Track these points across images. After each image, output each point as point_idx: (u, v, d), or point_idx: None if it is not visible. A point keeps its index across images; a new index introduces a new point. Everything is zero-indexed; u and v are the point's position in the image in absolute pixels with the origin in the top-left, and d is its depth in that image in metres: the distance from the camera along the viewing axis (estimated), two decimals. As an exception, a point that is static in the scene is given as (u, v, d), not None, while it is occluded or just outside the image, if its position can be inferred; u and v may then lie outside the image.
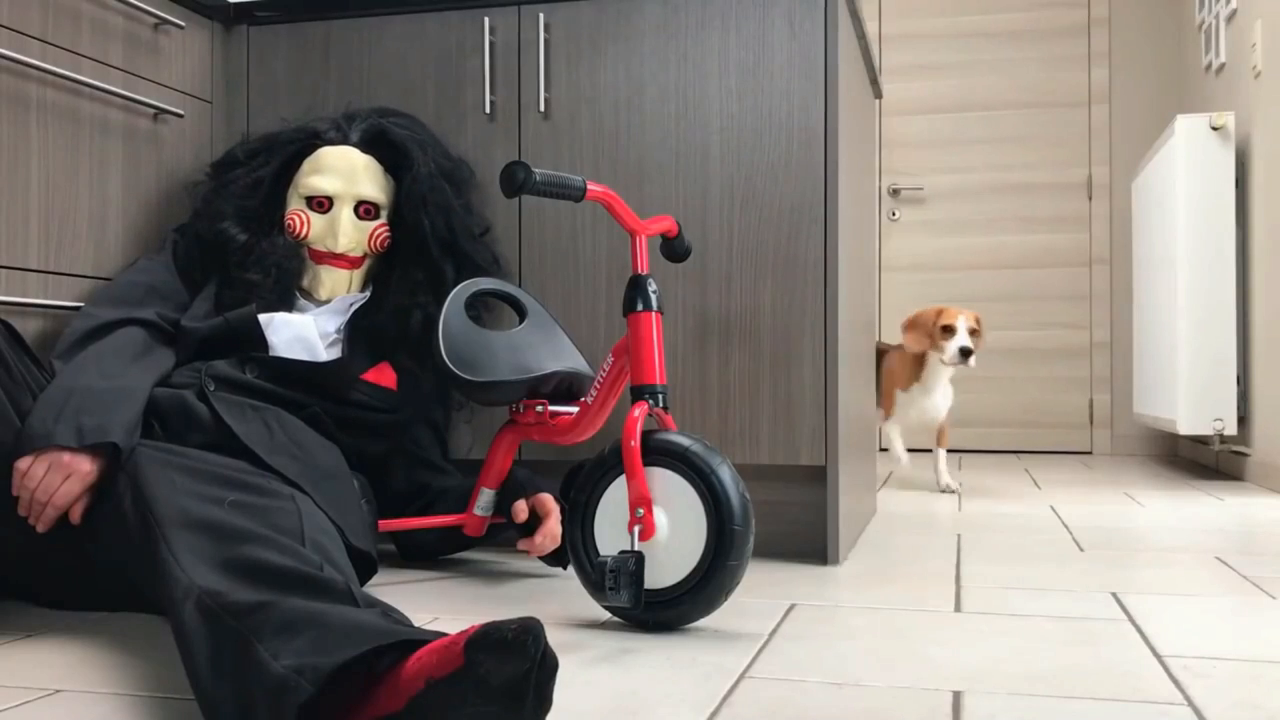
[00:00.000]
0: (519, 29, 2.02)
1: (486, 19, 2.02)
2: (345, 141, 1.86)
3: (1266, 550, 2.10)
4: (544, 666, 0.90)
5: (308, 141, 1.87)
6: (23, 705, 1.12)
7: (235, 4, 2.12)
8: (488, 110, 2.02)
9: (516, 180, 1.45)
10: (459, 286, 1.74)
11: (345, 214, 1.82)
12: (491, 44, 2.03)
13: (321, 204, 1.82)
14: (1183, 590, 1.72)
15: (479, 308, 1.87)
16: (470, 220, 1.91)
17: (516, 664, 0.88)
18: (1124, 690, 1.17)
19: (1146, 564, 1.95)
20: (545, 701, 0.91)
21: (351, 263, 1.83)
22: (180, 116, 2.00)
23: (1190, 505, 2.85)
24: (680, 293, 1.95)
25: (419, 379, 1.83)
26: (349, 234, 1.81)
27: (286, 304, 1.79)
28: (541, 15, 1.99)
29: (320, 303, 1.82)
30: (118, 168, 1.87)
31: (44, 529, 1.41)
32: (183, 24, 2.00)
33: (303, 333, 1.75)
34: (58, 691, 1.17)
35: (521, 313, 1.80)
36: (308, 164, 1.84)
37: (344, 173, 1.82)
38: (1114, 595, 1.68)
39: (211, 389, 1.60)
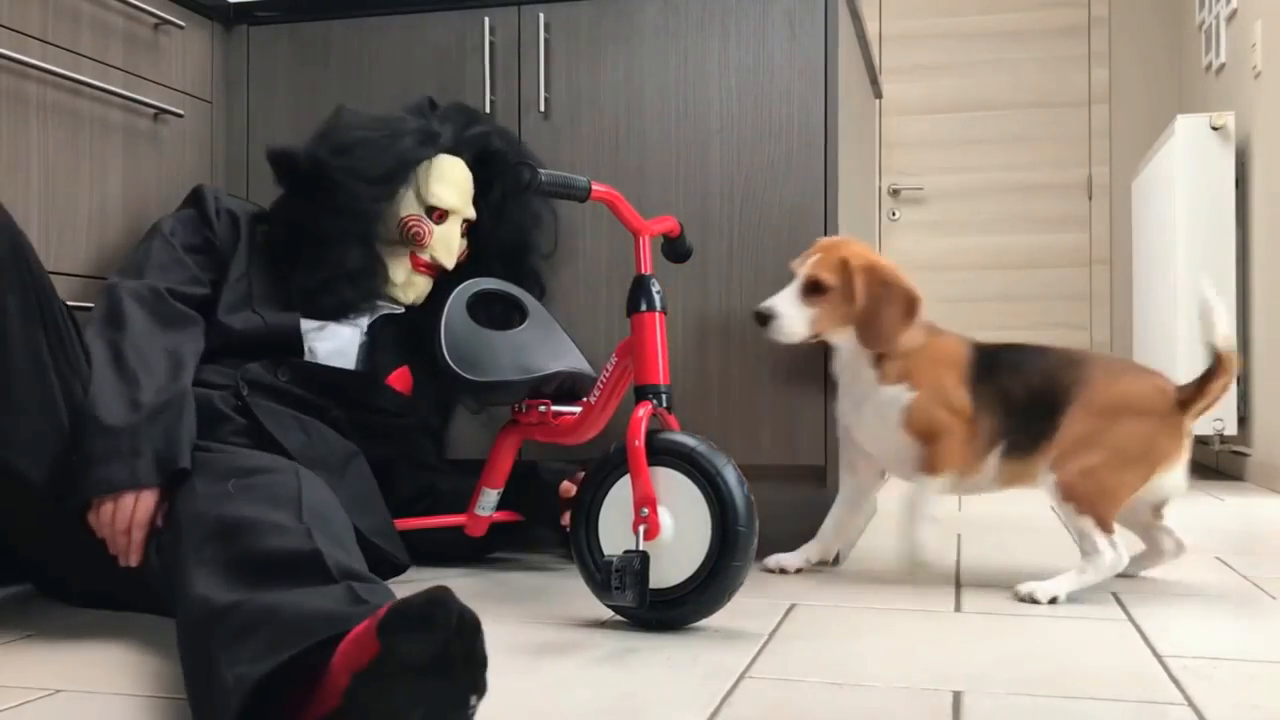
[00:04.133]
0: (519, 29, 2.02)
1: (486, 19, 2.02)
2: (457, 153, 1.84)
3: (1266, 550, 2.10)
4: (463, 631, 0.88)
5: (431, 149, 1.81)
6: (23, 705, 1.12)
7: (235, 4, 2.12)
8: (488, 110, 2.02)
9: (523, 181, 1.45)
10: (460, 287, 1.74)
11: (456, 231, 1.82)
12: (491, 44, 2.03)
13: (442, 216, 1.80)
14: (1183, 590, 1.72)
15: (487, 308, 1.88)
16: (542, 238, 1.91)
17: (431, 637, 0.87)
18: (1124, 690, 1.17)
19: (1146, 564, 1.95)
20: (476, 662, 0.89)
21: (438, 271, 1.83)
22: (180, 116, 2.00)
23: (1190, 505, 2.85)
24: (680, 293, 1.95)
25: (434, 383, 1.83)
26: (455, 250, 1.82)
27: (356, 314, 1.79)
28: (541, 15, 1.99)
29: (404, 305, 1.82)
30: (118, 168, 1.87)
31: (138, 558, 1.37)
32: (183, 24, 2.00)
33: (346, 347, 1.75)
34: (58, 691, 1.17)
35: (523, 313, 1.80)
36: (429, 169, 1.80)
37: (463, 190, 1.82)
38: (1114, 595, 1.68)
39: (245, 393, 1.60)
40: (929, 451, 1.71)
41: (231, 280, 1.70)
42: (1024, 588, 1.65)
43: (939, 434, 1.70)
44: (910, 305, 1.71)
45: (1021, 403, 1.69)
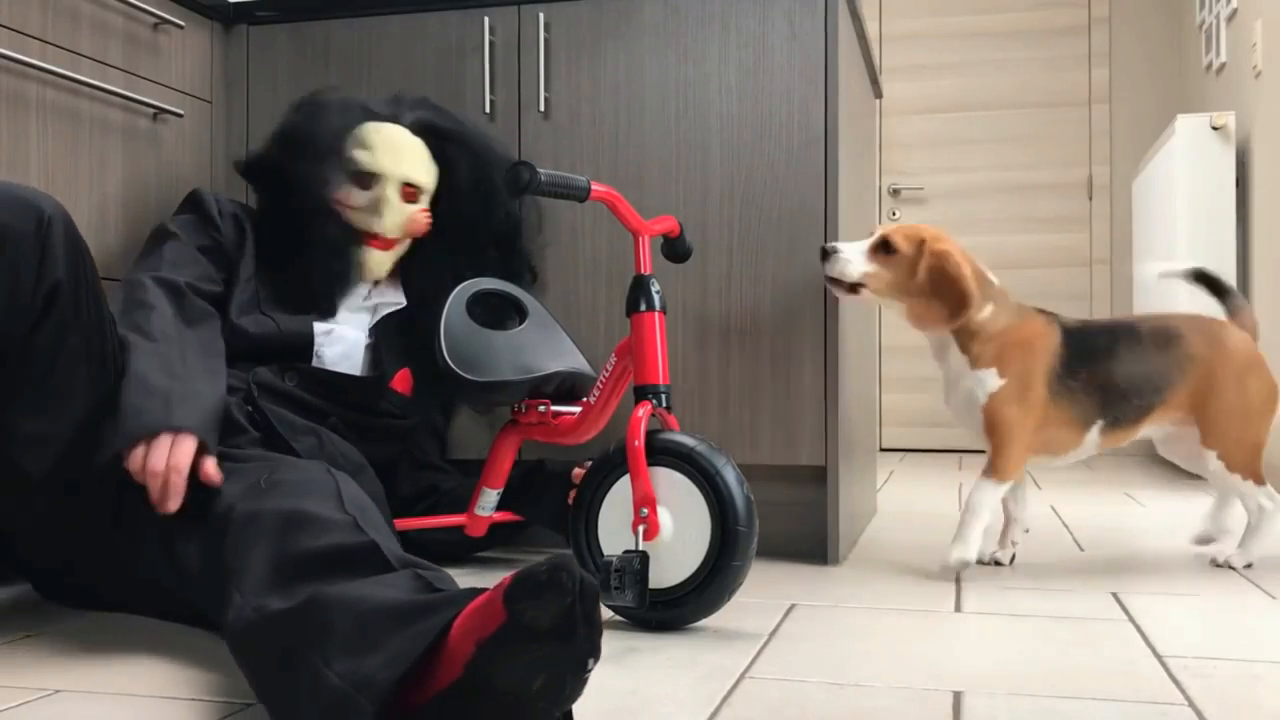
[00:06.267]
0: (519, 29, 2.02)
1: (486, 19, 2.02)
2: (395, 120, 1.82)
3: (1266, 550, 2.10)
4: (585, 596, 0.89)
5: (358, 116, 1.81)
6: (23, 705, 1.12)
7: (235, 4, 2.12)
8: (488, 110, 2.02)
9: (522, 180, 1.45)
10: (459, 286, 1.74)
11: (391, 196, 1.77)
12: (491, 44, 2.03)
13: (368, 181, 1.77)
14: (1183, 590, 1.72)
15: (487, 308, 1.87)
16: (509, 223, 1.89)
17: (558, 602, 0.88)
18: (1124, 690, 1.17)
19: (1146, 564, 1.95)
20: (595, 627, 0.91)
21: (387, 244, 1.79)
22: (180, 116, 2.00)
23: (1190, 505, 2.85)
24: (680, 293, 1.95)
25: (435, 383, 1.83)
26: (392, 216, 1.77)
27: (340, 299, 1.77)
28: (541, 15, 1.99)
29: (367, 283, 1.80)
30: (118, 168, 1.87)
31: (177, 502, 1.32)
32: (182, 24, 2.00)
33: (352, 351, 1.75)
34: (58, 691, 1.17)
35: (522, 313, 1.80)
36: (357, 136, 1.79)
37: (395, 153, 1.78)
38: (1114, 595, 1.68)
39: (257, 395, 1.59)
40: (992, 456, 1.79)
41: (241, 281, 1.69)
42: (1220, 556, 1.89)
43: (1004, 439, 1.78)
44: (960, 305, 1.75)
45: (1123, 386, 1.80)
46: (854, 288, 1.80)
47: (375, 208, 1.76)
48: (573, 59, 2.00)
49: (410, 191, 1.79)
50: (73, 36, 1.76)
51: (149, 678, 1.23)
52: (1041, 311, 1.83)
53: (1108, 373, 1.79)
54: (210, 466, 1.34)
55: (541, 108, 2.00)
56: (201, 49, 2.08)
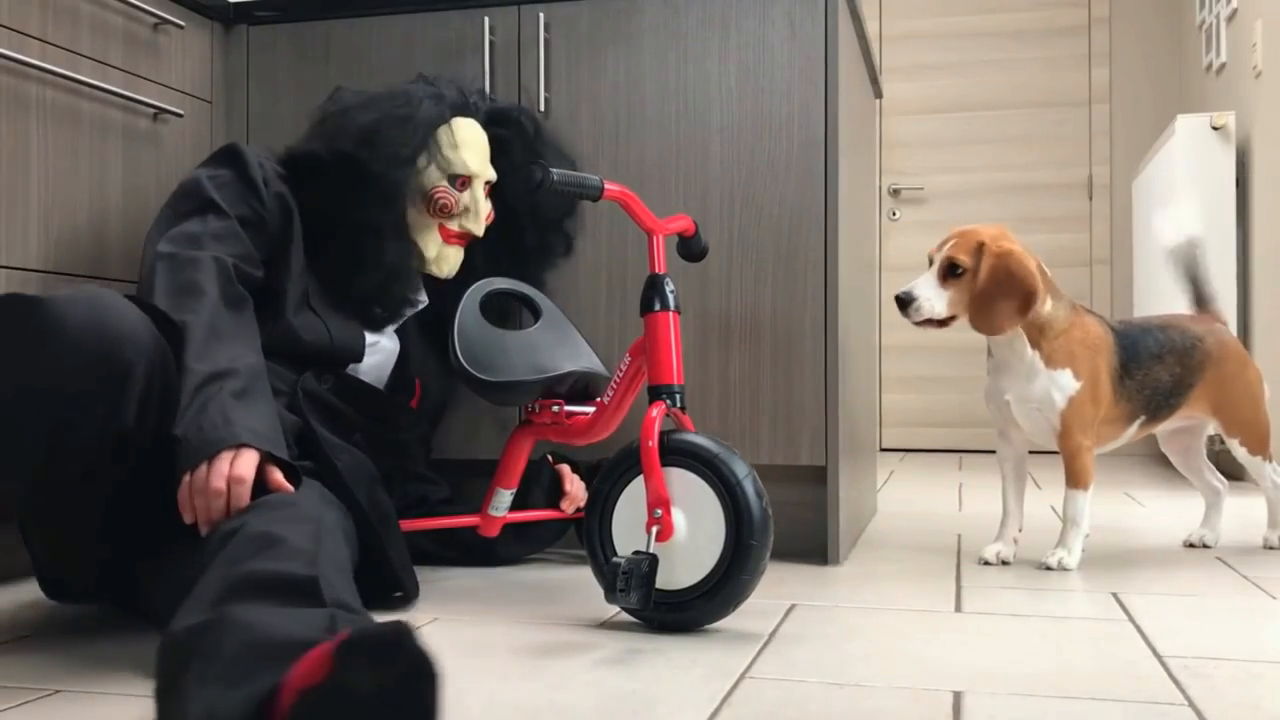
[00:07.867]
0: (519, 28, 2.02)
1: (486, 19, 2.02)
2: (474, 115, 1.78)
3: (1266, 550, 2.10)
4: (419, 674, 0.80)
5: (441, 102, 1.75)
6: (23, 705, 1.12)
7: (235, 4, 2.12)
8: (488, 110, 2.02)
9: (535, 179, 1.44)
10: (473, 287, 1.73)
11: (481, 195, 1.75)
12: (491, 43, 2.03)
13: (465, 182, 1.73)
14: (1183, 590, 1.72)
15: (507, 308, 1.86)
16: (558, 207, 1.86)
17: (386, 671, 0.79)
18: (1124, 690, 1.17)
19: (1146, 564, 1.95)
20: (423, 712, 0.81)
21: (463, 240, 1.77)
22: (180, 116, 2.00)
23: (1190, 505, 2.85)
24: (680, 293, 1.95)
25: (440, 391, 1.82)
26: (485, 217, 1.76)
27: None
28: (541, 15, 1.99)
29: (439, 278, 1.77)
30: (118, 168, 1.87)
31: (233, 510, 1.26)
32: (182, 24, 2.00)
33: (386, 362, 1.74)
34: (57, 691, 1.17)
35: (535, 312, 1.79)
36: (445, 135, 1.73)
37: (481, 151, 1.75)
38: (1114, 595, 1.68)
39: (301, 400, 1.57)
40: (1070, 463, 1.86)
41: (294, 276, 1.61)
42: (1274, 538, 2.07)
43: (1081, 443, 1.84)
44: (1026, 301, 1.78)
45: (1165, 387, 1.91)
46: (945, 321, 1.83)
47: (475, 210, 1.74)
48: (573, 59, 2.00)
49: (489, 187, 1.79)
50: (73, 36, 1.76)
51: (149, 678, 1.22)
52: (1086, 309, 1.89)
53: (1156, 375, 1.89)
54: (279, 475, 1.30)
55: (541, 107, 2.00)
56: (201, 49, 2.08)
